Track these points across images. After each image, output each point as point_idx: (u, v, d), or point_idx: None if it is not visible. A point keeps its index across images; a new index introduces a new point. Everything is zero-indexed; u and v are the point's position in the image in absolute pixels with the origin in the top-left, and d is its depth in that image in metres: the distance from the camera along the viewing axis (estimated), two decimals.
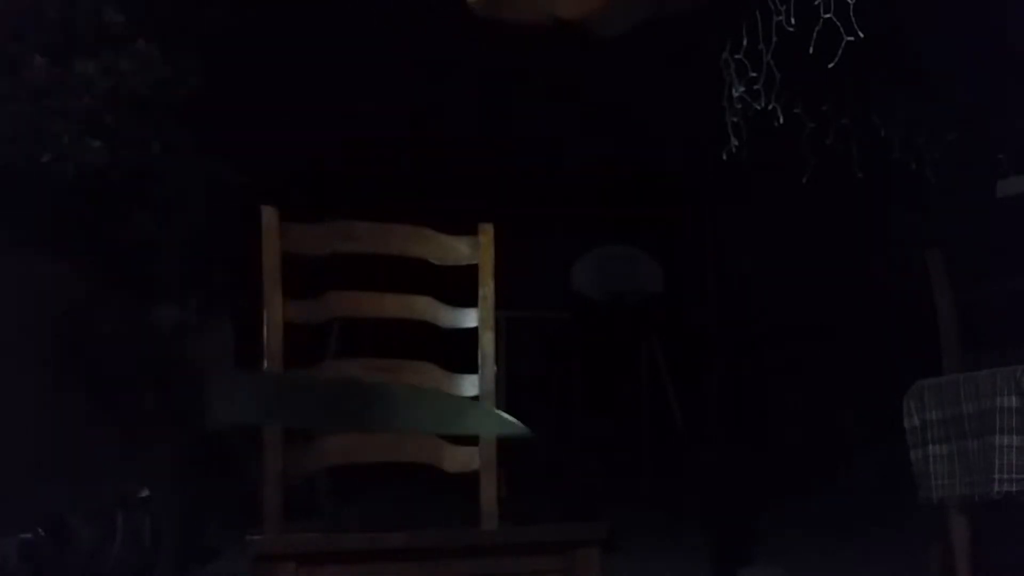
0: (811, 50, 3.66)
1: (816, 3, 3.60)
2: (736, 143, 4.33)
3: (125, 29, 5.09)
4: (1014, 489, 2.45)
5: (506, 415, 1.40)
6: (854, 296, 6.33)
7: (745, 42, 4.10)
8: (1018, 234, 3.24)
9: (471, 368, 2.07)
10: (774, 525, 4.36)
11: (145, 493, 3.23)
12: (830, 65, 3.65)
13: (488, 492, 2.04)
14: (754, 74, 4.13)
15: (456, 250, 2.11)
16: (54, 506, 2.85)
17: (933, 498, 2.71)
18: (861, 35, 3.49)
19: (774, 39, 3.94)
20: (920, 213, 4.99)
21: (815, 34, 3.63)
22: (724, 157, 4.35)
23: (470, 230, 2.12)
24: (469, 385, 2.06)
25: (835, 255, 6.30)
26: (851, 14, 3.49)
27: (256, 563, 1.72)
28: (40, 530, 2.83)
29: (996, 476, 2.46)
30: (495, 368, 2.10)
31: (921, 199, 5.09)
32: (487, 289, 2.10)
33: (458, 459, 2.04)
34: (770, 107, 4.25)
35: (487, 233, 2.12)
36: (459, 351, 2.13)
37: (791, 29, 3.77)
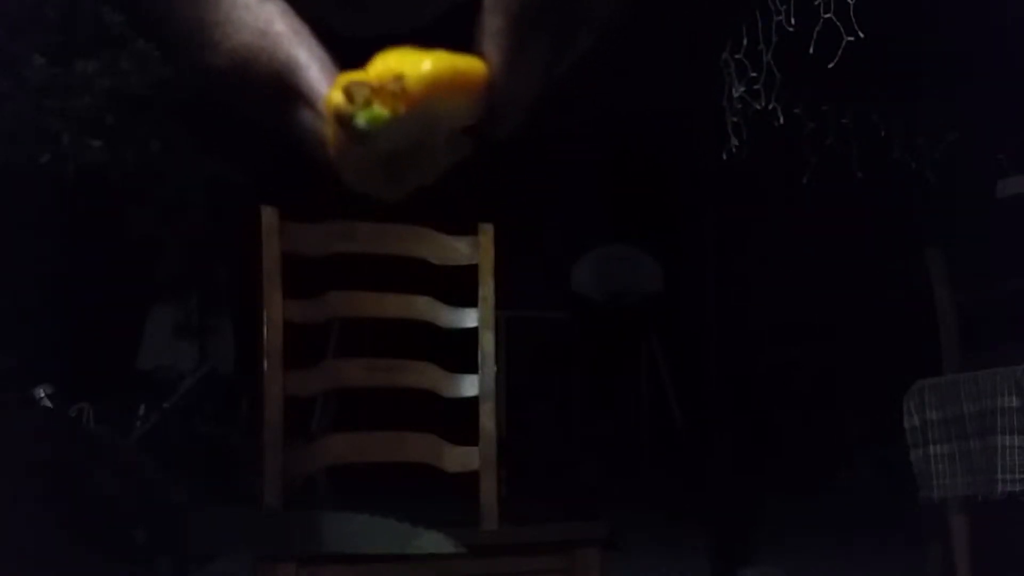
0: (811, 50, 3.66)
1: (816, 3, 3.60)
2: (736, 143, 4.34)
3: (125, 29, 5.09)
4: (1017, 489, 2.45)
5: (452, 538, 1.44)
6: (854, 296, 6.33)
7: (745, 42, 4.09)
8: (1018, 234, 3.24)
9: (471, 368, 2.06)
10: (774, 525, 4.36)
11: None
12: (830, 65, 3.65)
13: (488, 492, 2.03)
14: (754, 74, 4.14)
15: (456, 250, 2.10)
16: None
17: (934, 497, 2.71)
18: (861, 35, 3.48)
19: (774, 39, 3.94)
20: (920, 213, 4.99)
21: (815, 34, 3.63)
22: (724, 157, 4.35)
23: (470, 230, 2.11)
24: (469, 385, 2.05)
25: (835, 255, 6.30)
26: (851, 14, 3.49)
27: (256, 563, 1.71)
28: None
29: (999, 476, 2.46)
30: (495, 368, 2.10)
31: (921, 199, 5.09)
32: (487, 289, 2.09)
33: (458, 459, 2.03)
34: (770, 107, 4.25)
35: (487, 233, 2.11)
36: (459, 351, 2.13)
37: (791, 29, 3.77)
